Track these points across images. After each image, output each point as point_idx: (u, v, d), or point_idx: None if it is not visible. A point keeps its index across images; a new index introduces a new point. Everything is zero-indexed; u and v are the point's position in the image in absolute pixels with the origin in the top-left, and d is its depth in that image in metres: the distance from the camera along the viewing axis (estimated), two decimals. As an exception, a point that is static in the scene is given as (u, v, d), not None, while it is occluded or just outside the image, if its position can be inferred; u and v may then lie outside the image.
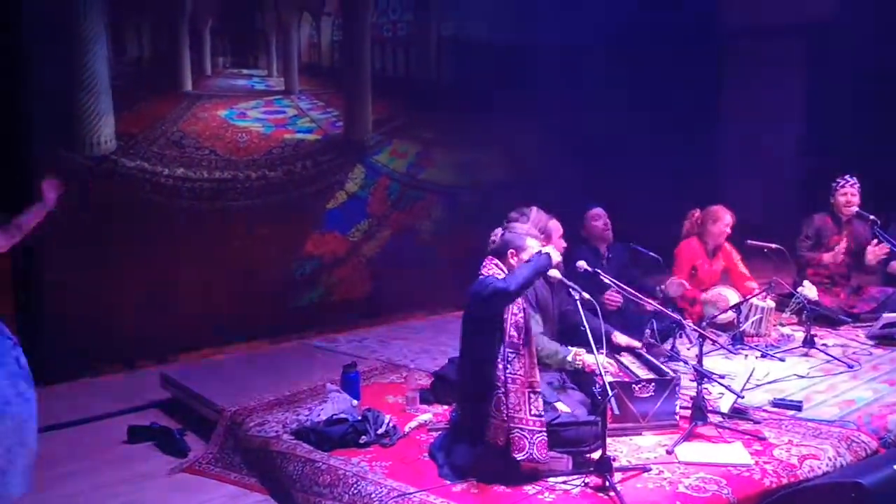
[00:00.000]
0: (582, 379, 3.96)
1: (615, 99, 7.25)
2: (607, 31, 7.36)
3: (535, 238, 3.77)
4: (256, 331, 5.99)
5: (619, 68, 7.48)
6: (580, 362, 3.89)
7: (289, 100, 6.24)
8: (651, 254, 4.99)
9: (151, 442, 4.45)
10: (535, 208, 4.53)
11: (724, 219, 5.53)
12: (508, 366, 3.35)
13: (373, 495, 3.37)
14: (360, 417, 3.91)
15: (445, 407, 4.21)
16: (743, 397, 3.98)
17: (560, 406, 3.67)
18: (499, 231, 3.90)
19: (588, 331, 3.39)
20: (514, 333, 3.39)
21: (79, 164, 5.34)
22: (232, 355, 5.67)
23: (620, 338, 4.37)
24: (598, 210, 5.26)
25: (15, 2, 5.08)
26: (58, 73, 5.21)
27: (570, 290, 3.53)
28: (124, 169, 5.52)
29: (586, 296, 3.50)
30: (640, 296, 4.17)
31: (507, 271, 3.51)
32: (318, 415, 3.99)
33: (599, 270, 4.14)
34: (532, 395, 3.34)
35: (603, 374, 3.33)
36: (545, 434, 3.32)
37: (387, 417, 3.94)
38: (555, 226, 4.52)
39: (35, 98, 5.18)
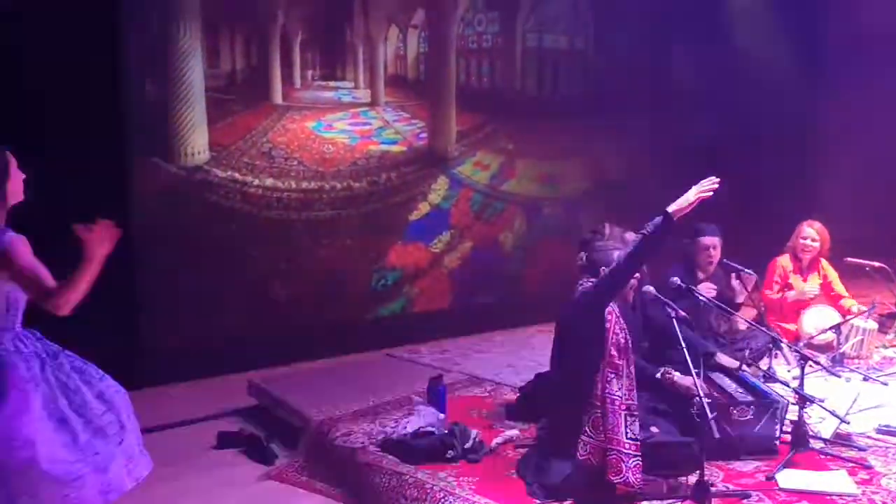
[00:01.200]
0: (674, 399, 3.84)
1: (704, 108, 7.09)
2: (694, 36, 7.22)
3: (617, 248, 3.70)
4: (339, 340, 6.04)
5: (708, 74, 7.31)
6: (668, 381, 3.79)
7: (374, 111, 6.30)
8: (745, 270, 4.83)
9: (239, 448, 4.52)
10: (608, 224, 4.43)
11: (802, 232, 5.32)
12: (607, 386, 3.28)
13: (461, 511, 3.34)
14: (447, 431, 3.89)
15: (532, 423, 4.15)
16: (849, 423, 3.80)
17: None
18: (581, 254, 3.80)
19: (685, 349, 3.29)
20: (615, 353, 3.32)
21: (172, 173, 5.49)
22: (316, 364, 5.73)
23: (724, 359, 4.22)
24: (711, 239, 4.86)
25: (118, 20, 5.26)
26: (156, 86, 5.38)
27: (665, 306, 3.44)
28: (216, 178, 5.65)
29: (682, 313, 3.40)
30: (736, 314, 4.04)
31: None
32: (405, 427, 3.99)
33: (693, 287, 4.03)
34: (629, 418, 3.27)
35: (702, 394, 3.22)
36: (640, 458, 3.24)
37: (474, 432, 3.91)
38: (631, 238, 4.42)
39: (134, 110, 5.35)
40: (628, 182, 7.30)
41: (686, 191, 3.30)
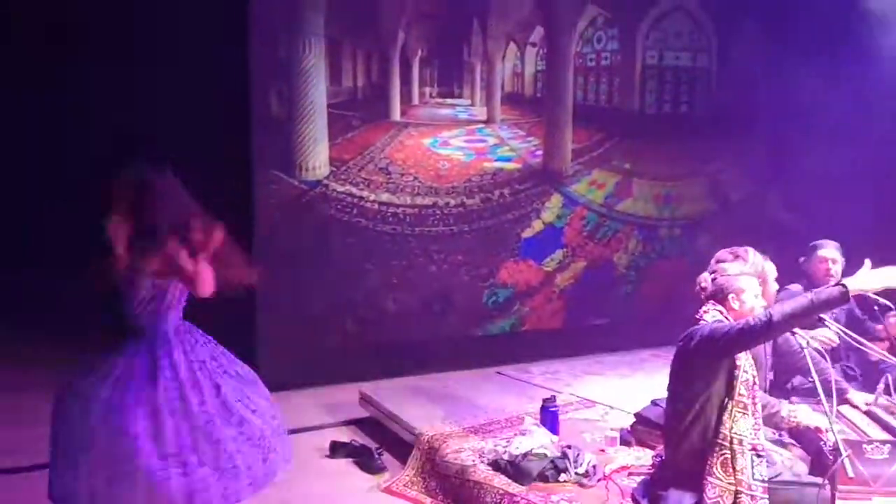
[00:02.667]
0: (803, 436, 3.65)
1: (834, 129, 6.75)
2: (822, 53, 6.90)
3: (750, 276, 3.54)
4: (450, 356, 6.05)
5: (839, 93, 6.97)
6: (795, 420, 3.58)
7: (490, 129, 6.32)
8: (880, 300, 4.54)
9: (351, 458, 4.59)
10: (750, 249, 4.22)
11: None
12: (734, 425, 3.15)
13: (574, 536, 3.27)
14: (559, 454, 3.83)
15: (647, 450, 4.04)
16: None
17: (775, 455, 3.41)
18: (705, 276, 3.64)
19: (817, 382, 3.11)
20: (744, 392, 3.18)
21: (293, 187, 5.66)
22: (426, 378, 5.76)
23: (856, 396, 3.98)
24: (829, 252, 4.64)
25: (247, 39, 5.48)
26: (281, 103, 5.57)
27: (798, 336, 3.27)
28: (334, 193, 5.79)
29: (815, 343, 3.23)
30: (869, 346, 3.80)
31: (730, 318, 3.31)
32: (517, 447, 3.94)
33: (824, 315, 3.81)
34: (756, 458, 3.13)
35: (834, 431, 3.04)
36: (768, 500, 3.09)
37: (587, 456, 3.83)
38: (770, 268, 4.21)
39: (259, 127, 5.55)
40: (751, 204, 7.04)
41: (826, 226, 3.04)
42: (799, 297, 3.09)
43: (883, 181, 6.80)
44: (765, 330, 3.06)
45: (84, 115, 6.99)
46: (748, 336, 3.09)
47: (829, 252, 4.63)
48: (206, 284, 3.21)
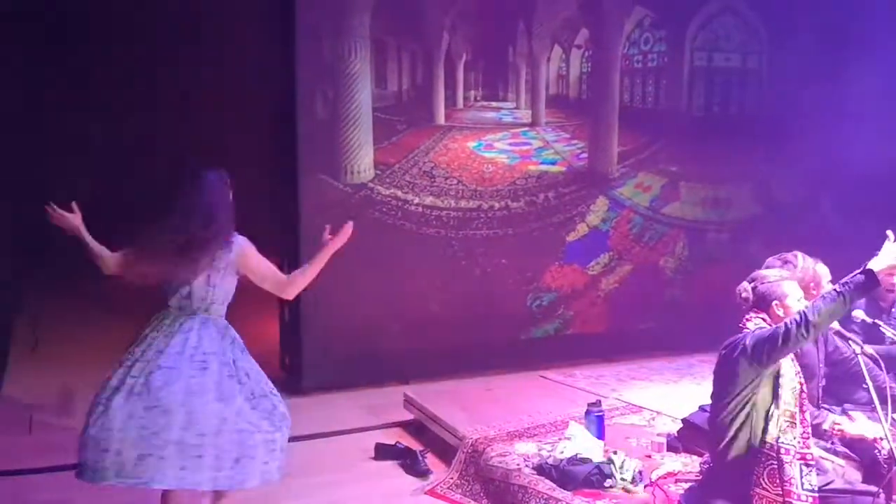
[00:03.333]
0: (855, 444, 3.56)
1: (889, 130, 6.59)
2: (877, 53, 6.74)
3: (791, 281, 3.45)
4: (494, 359, 6.04)
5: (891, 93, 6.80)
6: (840, 431, 3.49)
7: (535, 132, 6.30)
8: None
9: (396, 460, 4.60)
10: (800, 254, 4.12)
11: None
12: (781, 435, 3.08)
13: (619, 542, 3.23)
14: (605, 459, 3.79)
15: (694, 456, 3.98)
16: None
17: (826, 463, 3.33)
18: (745, 286, 3.55)
19: (871, 389, 3.04)
20: (791, 401, 3.12)
21: (339, 190, 5.70)
22: (470, 381, 5.76)
23: None
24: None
25: (292, 47, 5.53)
26: (327, 107, 5.62)
27: (850, 342, 3.19)
28: (379, 196, 5.82)
29: (869, 350, 3.15)
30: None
31: (774, 325, 3.24)
32: (562, 451, 3.92)
33: (881, 322, 3.72)
34: (805, 468, 3.06)
35: (890, 439, 2.96)
36: None
37: (633, 462, 3.79)
38: (823, 271, 4.11)
39: (305, 131, 5.60)
40: (802, 208, 6.90)
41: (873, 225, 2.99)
42: (828, 291, 3.03)
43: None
44: (802, 330, 3.00)
45: (140, 116, 7.16)
46: (787, 339, 3.03)
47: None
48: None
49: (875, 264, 2.94)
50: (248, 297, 3.69)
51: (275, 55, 5.76)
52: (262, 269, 3.49)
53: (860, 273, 2.94)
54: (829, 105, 6.81)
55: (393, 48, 5.82)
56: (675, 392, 5.23)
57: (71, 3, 7.68)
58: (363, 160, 5.74)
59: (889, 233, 2.97)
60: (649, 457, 4.04)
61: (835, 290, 3.00)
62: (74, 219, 3.41)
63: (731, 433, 3.25)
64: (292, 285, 3.60)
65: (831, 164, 6.76)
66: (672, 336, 6.42)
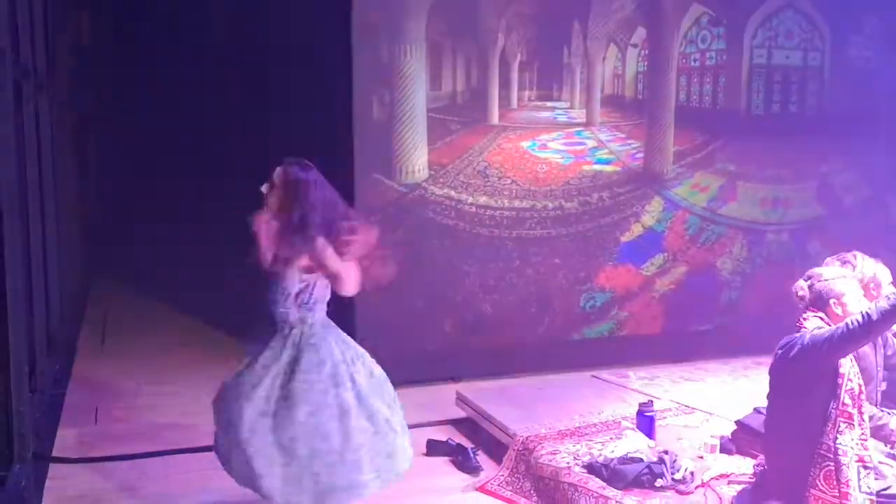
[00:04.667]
0: (916, 446, 3.48)
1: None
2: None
3: (849, 279, 3.39)
4: (545, 359, 6.04)
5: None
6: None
7: (589, 131, 6.27)
8: None
9: (447, 457, 4.64)
10: (859, 254, 4.05)
11: None
12: (839, 436, 3.04)
13: (669, 543, 3.22)
14: (656, 459, 3.78)
15: (748, 458, 3.93)
16: None
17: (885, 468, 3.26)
18: (801, 284, 3.50)
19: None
20: (849, 402, 3.07)
21: (394, 190, 5.78)
22: (522, 380, 5.77)
23: None
24: None
25: (349, 49, 5.62)
26: (383, 107, 5.70)
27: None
28: (433, 196, 5.88)
29: (929, 351, 3.08)
30: None
31: (832, 325, 3.19)
32: (612, 451, 3.92)
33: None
34: (863, 471, 3.01)
35: (950, 443, 2.89)
36: None
37: (685, 462, 3.76)
38: (883, 272, 4.03)
39: (361, 131, 5.69)
40: (866, 209, 6.73)
41: None
42: (893, 292, 2.97)
43: None
44: (865, 329, 2.95)
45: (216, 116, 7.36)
46: (848, 339, 2.98)
47: None
48: (351, 283, 3.39)
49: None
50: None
51: (333, 56, 5.87)
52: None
53: None
54: (892, 104, 6.63)
55: (448, 50, 5.87)
56: (729, 394, 5.16)
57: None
58: (418, 160, 5.81)
59: None
60: (701, 458, 4.00)
61: None
62: None
63: (787, 435, 3.22)
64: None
65: (895, 164, 6.59)
66: (728, 339, 6.33)
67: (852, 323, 3.00)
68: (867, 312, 2.98)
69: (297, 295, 3.40)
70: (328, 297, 3.52)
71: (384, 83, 5.68)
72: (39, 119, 5.32)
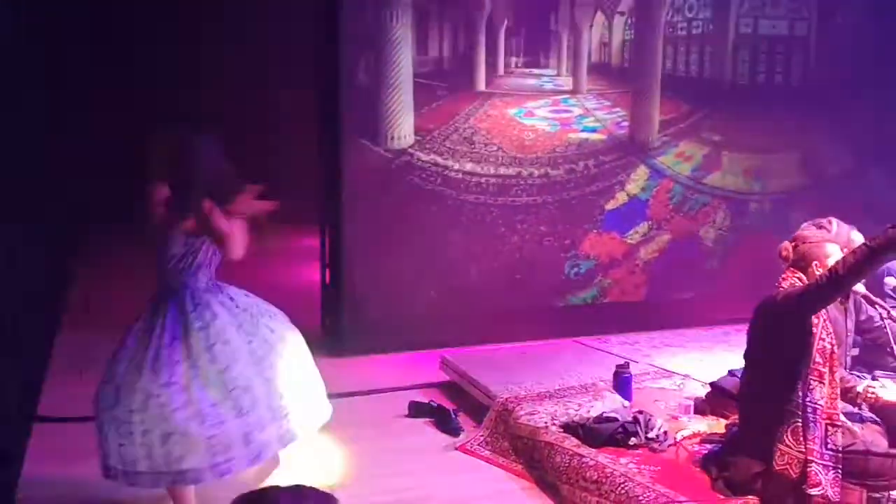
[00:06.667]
0: (883, 410, 3.56)
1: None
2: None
3: (834, 242, 3.47)
4: (530, 326, 6.11)
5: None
6: (873, 397, 3.49)
7: (575, 99, 6.29)
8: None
9: (429, 418, 4.73)
10: (834, 220, 4.12)
11: None
12: (809, 394, 3.12)
13: (640, 498, 3.31)
14: (630, 419, 3.86)
15: (721, 419, 4.02)
16: None
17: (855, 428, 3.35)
18: (786, 245, 3.58)
19: (896, 354, 3.05)
20: (820, 360, 3.14)
21: (380, 155, 5.80)
22: (505, 346, 5.85)
23: None
24: None
25: (335, 15, 5.62)
26: (369, 72, 5.71)
27: (877, 306, 3.20)
28: (419, 162, 5.90)
29: (896, 314, 3.15)
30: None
31: None
32: (588, 411, 4.00)
33: (912, 289, 3.70)
34: (831, 428, 3.09)
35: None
36: (840, 471, 3.06)
37: (659, 422, 3.85)
38: (858, 237, 4.09)
39: (348, 97, 5.71)
40: (849, 180, 6.79)
41: None
42: (858, 246, 3.04)
43: None
44: (832, 284, 3.03)
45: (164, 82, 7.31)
46: (818, 294, 3.06)
47: None
48: (238, 246, 3.38)
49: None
50: (289, 260, 3.78)
51: (319, 20, 5.87)
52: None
53: (891, 227, 2.95)
54: (878, 75, 6.67)
55: (435, 14, 5.87)
56: (707, 359, 5.25)
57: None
58: (404, 126, 5.83)
59: None
60: (676, 418, 4.09)
61: (864, 244, 3.02)
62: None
63: (759, 391, 3.31)
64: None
65: (880, 135, 6.64)
66: (710, 306, 6.40)
67: (821, 279, 3.08)
68: (834, 268, 3.06)
69: (181, 259, 3.39)
70: (216, 262, 3.48)
71: (370, 48, 5.68)
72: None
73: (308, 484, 1.62)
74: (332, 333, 5.98)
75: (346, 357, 5.67)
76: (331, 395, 3.92)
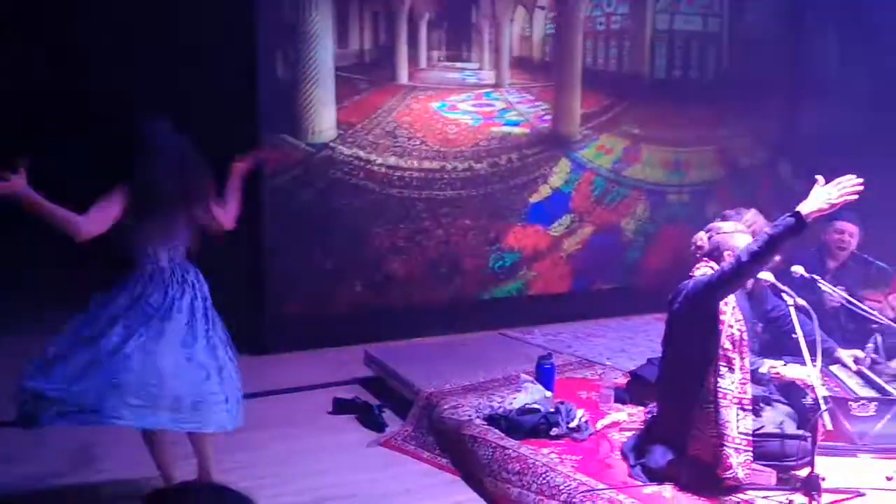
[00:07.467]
0: (791, 392, 3.69)
1: (843, 94, 6.70)
2: (834, 17, 6.83)
3: (745, 233, 3.57)
4: (455, 319, 6.12)
5: (853, 62, 6.90)
6: (777, 374, 3.62)
7: (498, 93, 6.32)
8: (878, 263, 4.56)
9: (353, 415, 4.69)
10: (753, 210, 4.24)
11: None
12: (719, 380, 3.19)
13: (561, 487, 3.35)
14: (552, 409, 3.90)
15: (640, 407, 4.10)
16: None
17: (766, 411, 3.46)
18: (701, 235, 3.68)
19: (801, 339, 3.15)
20: (729, 346, 3.23)
21: (300, 149, 5.72)
22: (431, 340, 5.85)
23: (843, 354, 4.00)
24: (844, 225, 4.60)
25: (252, 6, 5.51)
26: (287, 65, 5.61)
27: (784, 294, 3.30)
28: (341, 156, 5.84)
29: (801, 301, 3.26)
30: (865, 308, 3.82)
31: None
32: (511, 403, 4.02)
33: (818, 277, 3.84)
34: (741, 412, 3.18)
35: (817, 386, 3.08)
36: (752, 453, 3.15)
37: (579, 412, 3.90)
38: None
39: (267, 90, 5.59)
40: (761, 171, 7.01)
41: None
42: (761, 234, 3.14)
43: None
44: (736, 270, 3.12)
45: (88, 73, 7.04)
46: (723, 280, 3.15)
47: (843, 223, 4.61)
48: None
49: (804, 207, 3.03)
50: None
51: (235, 14, 5.73)
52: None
53: (790, 215, 3.04)
54: (791, 69, 6.90)
55: (355, 7, 5.80)
56: (629, 349, 5.34)
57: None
58: (325, 120, 5.75)
59: (818, 177, 3.07)
60: (597, 408, 4.15)
61: (765, 231, 3.12)
62: (16, 183, 2.96)
63: (674, 379, 3.38)
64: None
65: (789, 128, 6.87)
66: (632, 296, 6.54)
67: (726, 266, 3.17)
68: (738, 254, 3.16)
69: (149, 238, 3.38)
70: (187, 242, 3.49)
71: (288, 40, 5.59)
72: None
73: (226, 484, 1.57)
74: (253, 330, 5.87)
75: (268, 355, 5.58)
76: (253, 394, 3.86)
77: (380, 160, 5.97)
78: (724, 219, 4.03)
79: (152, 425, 3.31)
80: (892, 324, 3.93)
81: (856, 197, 2.98)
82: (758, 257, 3.08)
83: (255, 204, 5.75)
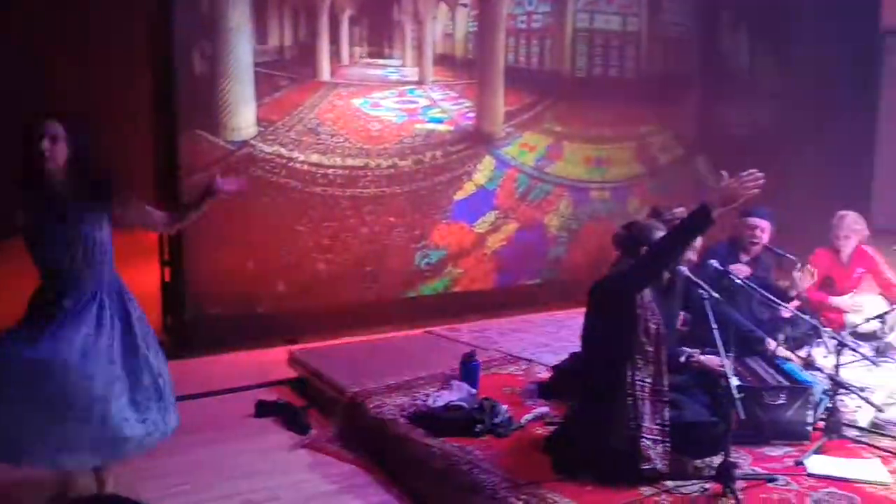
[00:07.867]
0: (708, 381, 3.78)
1: (757, 92, 6.93)
2: (747, 19, 7.05)
3: (662, 229, 3.64)
4: (381, 317, 6.09)
5: (765, 60, 7.14)
6: (695, 363, 3.71)
7: (421, 90, 6.31)
8: (787, 255, 4.72)
9: (277, 417, 4.61)
10: (683, 207, 4.34)
11: (835, 224, 5.17)
12: (637, 372, 3.25)
13: (485, 483, 3.36)
14: (476, 406, 3.91)
15: (564, 402, 4.14)
16: (883, 411, 3.70)
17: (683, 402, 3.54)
18: (620, 230, 3.76)
19: (715, 331, 3.24)
20: (645, 339, 3.29)
21: (219, 147, 5.60)
22: (357, 339, 5.80)
23: (771, 344, 4.11)
24: (757, 220, 4.72)
25: (169, 1, 5.36)
26: (205, 61, 5.48)
27: (699, 288, 3.39)
28: (262, 154, 5.74)
29: (716, 294, 3.35)
30: (775, 300, 3.95)
31: None
32: (436, 401, 4.02)
33: (730, 270, 3.95)
34: (658, 404, 3.25)
35: (729, 376, 3.17)
36: (669, 444, 3.22)
37: (503, 408, 3.92)
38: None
39: (184, 87, 5.45)
40: (679, 167, 7.19)
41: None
42: (671, 228, 3.23)
43: (801, 140, 7.01)
44: (649, 262, 3.19)
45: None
46: (639, 273, 3.22)
47: (754, 219, 4.75)
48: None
49: (709, 198, 3.12)
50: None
51: (152, 8, 5.57)
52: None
53: (697, 209, 3.13)
54: (707, 68, 7.09)
55: (275, 2, 5.71)
56: (552, 343, 5.40)
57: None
58: (244, 117, 5.64)
59: (723, 172, 3.15)
60: (521, 403, 4.18)
61: (675, 224, 3.19)
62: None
63: (594, 373, 3.43)
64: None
65: (704, 125, 7.07)
66: (556, 291, 6.63)
67: (641, 259, 3.25)
68: (651, 248, 3.23)
69: (84, 250, 3.28)
70: (111, 253, 3.40)
71: (205, 35, 5.46)
72: None
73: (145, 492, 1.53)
74: (174, 333, 5.72)
75: (189, 357, 5.44)
76: (176, 398, 3.75)
77: (302, 157, 5.89)
78: (656, 213, 4.14)
79: None
80: (800, 314, 4.08)
81: (758, 191, 3.07)
82: (668, 249, 3.18)
83: (173, 202, 5.62)
